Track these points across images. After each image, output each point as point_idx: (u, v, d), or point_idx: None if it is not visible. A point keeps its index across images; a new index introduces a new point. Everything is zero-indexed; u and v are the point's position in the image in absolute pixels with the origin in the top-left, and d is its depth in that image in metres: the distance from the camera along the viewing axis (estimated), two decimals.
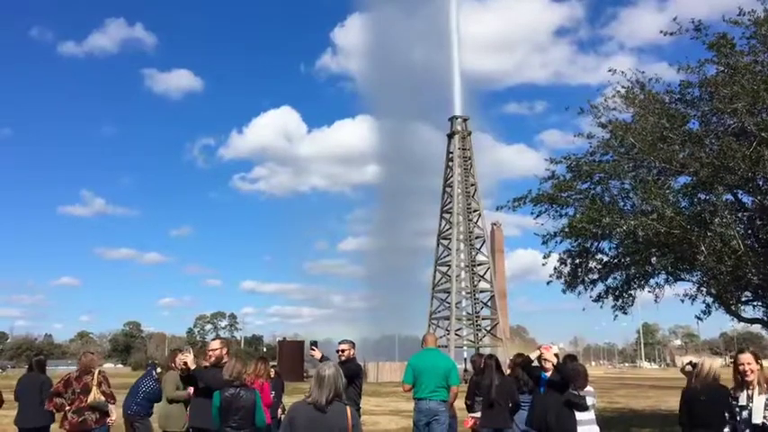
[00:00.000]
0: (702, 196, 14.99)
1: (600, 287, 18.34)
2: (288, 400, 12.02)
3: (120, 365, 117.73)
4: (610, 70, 16.16)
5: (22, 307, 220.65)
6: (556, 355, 8.24)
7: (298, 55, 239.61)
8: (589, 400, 8.69)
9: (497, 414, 9.37)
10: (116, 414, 9.39)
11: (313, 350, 8.60)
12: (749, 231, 15.50)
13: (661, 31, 16.13)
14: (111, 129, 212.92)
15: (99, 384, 9.02)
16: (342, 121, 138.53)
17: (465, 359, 57.45)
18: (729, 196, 15.02)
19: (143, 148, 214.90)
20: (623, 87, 16.03)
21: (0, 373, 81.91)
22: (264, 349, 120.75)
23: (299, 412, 4.83)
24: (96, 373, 9.16)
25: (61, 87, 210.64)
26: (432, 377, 9.56)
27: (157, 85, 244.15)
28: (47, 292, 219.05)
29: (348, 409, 4.88)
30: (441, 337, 69.10)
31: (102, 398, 8.98)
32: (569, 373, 8.10)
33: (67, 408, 8.95)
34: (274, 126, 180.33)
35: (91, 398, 8.89)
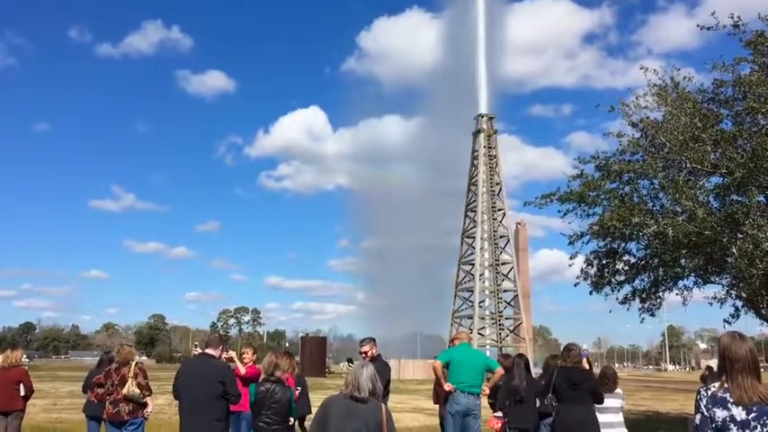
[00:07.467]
0: (735, 197, 14.72)
1: (627, 289, 18.12)
2: (313, 396, 12.04)
3: (144, 358, 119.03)
4: (642, 68, 15.94)
5: (51, 298, 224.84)
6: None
7: (324, 57, 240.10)
8: (618, 402, 8.60)
9: (526, 414, 9.28)
10: (152, 405, 9.53)
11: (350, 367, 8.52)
12: None
13: (698, 25, 15.69)
14: (144, 127, 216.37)
15: (135, 376, 9.14)
16: (366, 121, 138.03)
17: None
18: (762, 198, 14.73)
19: (173, 146, 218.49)
20: (656, 85, 15.79)
21: (27, 362, 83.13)
22: (287, 344, 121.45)
23: (333, 403, 4.85)
24: (133, 365, 9.29)
25: (97, 86, 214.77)
26: (469, 371, 9.54)
27: (191, 86, 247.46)
28: (76, 284, 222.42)
29: (383, 405, 4.92)
30: None
31: (137, 390, 9.10)
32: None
33: (107, 398, 9.15)
34: (300, 125, 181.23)
35: (125, 390, 9.02)
